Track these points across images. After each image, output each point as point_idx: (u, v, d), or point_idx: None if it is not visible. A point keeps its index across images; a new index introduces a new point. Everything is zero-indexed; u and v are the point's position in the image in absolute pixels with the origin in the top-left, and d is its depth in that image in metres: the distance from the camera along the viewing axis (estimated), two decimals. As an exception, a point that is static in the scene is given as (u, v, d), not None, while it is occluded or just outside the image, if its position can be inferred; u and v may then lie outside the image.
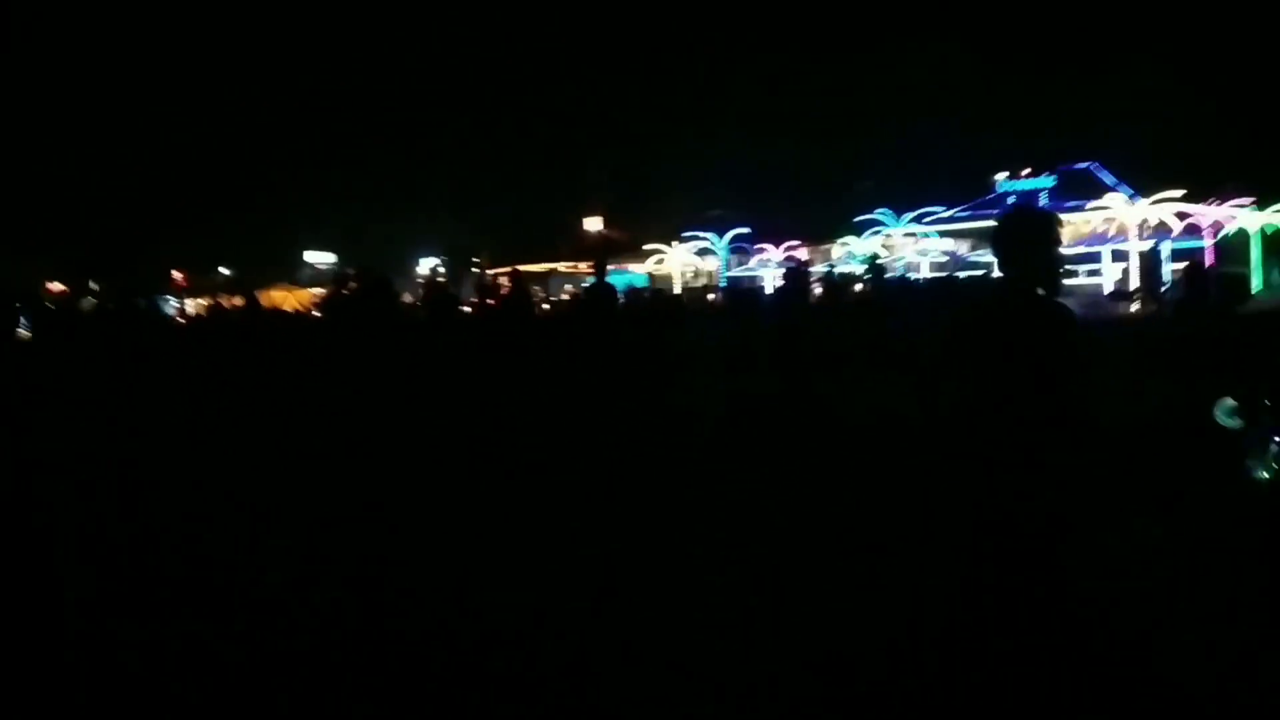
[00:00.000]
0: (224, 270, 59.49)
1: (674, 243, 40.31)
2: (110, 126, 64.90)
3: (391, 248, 59.98)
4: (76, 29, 76.61)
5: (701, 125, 60.39)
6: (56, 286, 48.00)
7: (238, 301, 38.99)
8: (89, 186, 60.83)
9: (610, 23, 74.92)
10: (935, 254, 40.81)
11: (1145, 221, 30.24)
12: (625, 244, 54.25)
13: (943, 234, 41.14)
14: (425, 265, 57.68)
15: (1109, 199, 32.51)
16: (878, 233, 39.97)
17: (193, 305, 28.43)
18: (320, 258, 60.78)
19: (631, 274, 42.84)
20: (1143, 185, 38.21)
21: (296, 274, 56.40)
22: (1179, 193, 29.88)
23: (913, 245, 41.59)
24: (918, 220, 40.28)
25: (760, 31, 72.95)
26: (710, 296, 32.33)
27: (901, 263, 37.46)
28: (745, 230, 39.42)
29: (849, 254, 40.03)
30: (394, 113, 70.15)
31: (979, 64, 49.84)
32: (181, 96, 72.09)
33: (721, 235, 39.41)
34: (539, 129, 68.00)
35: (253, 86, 71.65)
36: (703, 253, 41.23)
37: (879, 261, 27.63)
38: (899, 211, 40.01)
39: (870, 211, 42.11)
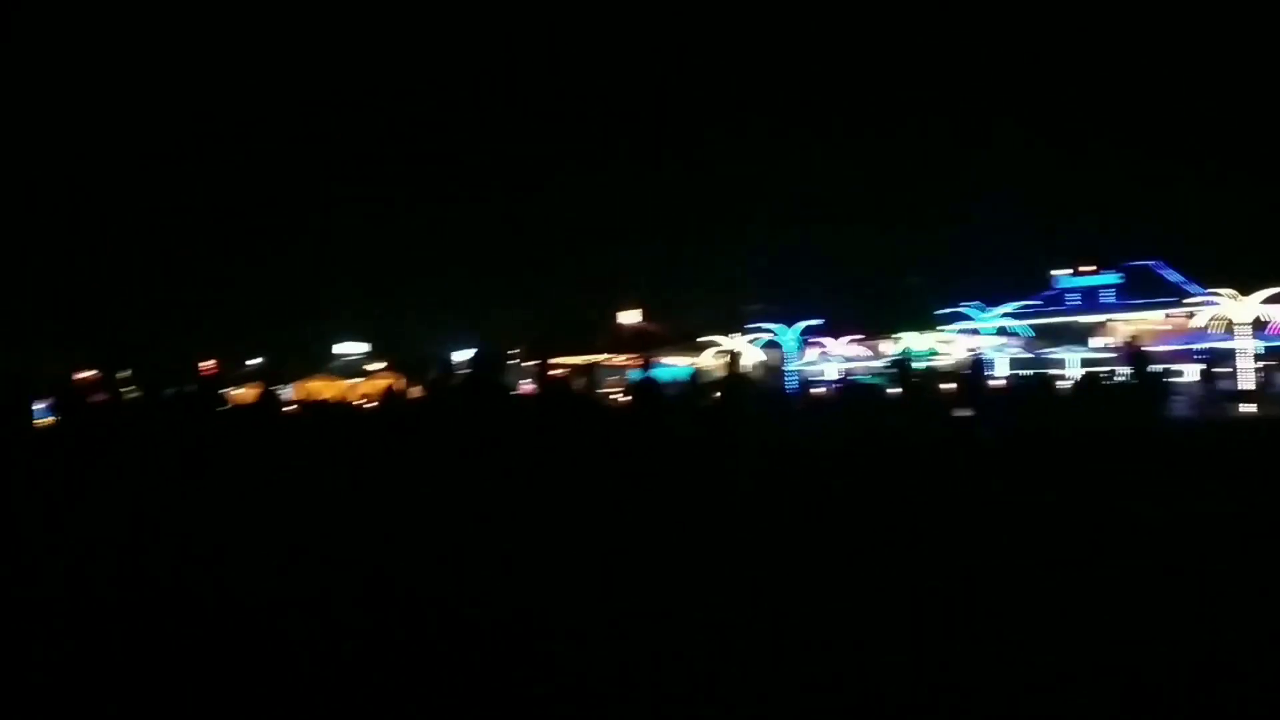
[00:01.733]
0: (253, 361, 58.47)
1: (733, 334, 38.94)
2: (141, 213, 64.91)
3: (424, 340, 59.11)
4: (105, 104, 77.34)
5: (742, 216, 59.93)
6: (82, 375, 46.91)
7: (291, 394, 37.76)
8: (114, 276, 60.49)
9: (650, 111, 75.28)
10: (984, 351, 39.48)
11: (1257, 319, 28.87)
12: (663, 336, 53.17)
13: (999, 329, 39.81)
14: (460, 356, 56.76)
15: (1212, 297, 30.90)
16: (961, 325, 38.54)
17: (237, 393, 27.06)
18: (351, 348, 59.87)
19: (676, 367, 41.54)
20: (1200, 282, 37.03)
21: (329, 364, 55.41)
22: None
23: (965, 343, 40.24)
24: (1011, 315, 38.92)
25: (807, 119, 73.03)
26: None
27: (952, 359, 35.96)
28: (818, 322, 38.11)
29: (906, 350, 38.63)
30: (427, 202, 70.12)
31: (1024, 159, 49.24)
32: (213, 182, 72.41)
33: (790, 326, 38.07)
34: (574, 219, 67.77)
35: (285, 170, 71.94)
36: (766, 345, 39.86)
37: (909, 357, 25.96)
38: (988, 304, 38.73)
39: (922, 305, 40.89)
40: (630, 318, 55.96)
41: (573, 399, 12.44)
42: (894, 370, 20.49)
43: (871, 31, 73.39)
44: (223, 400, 16.68)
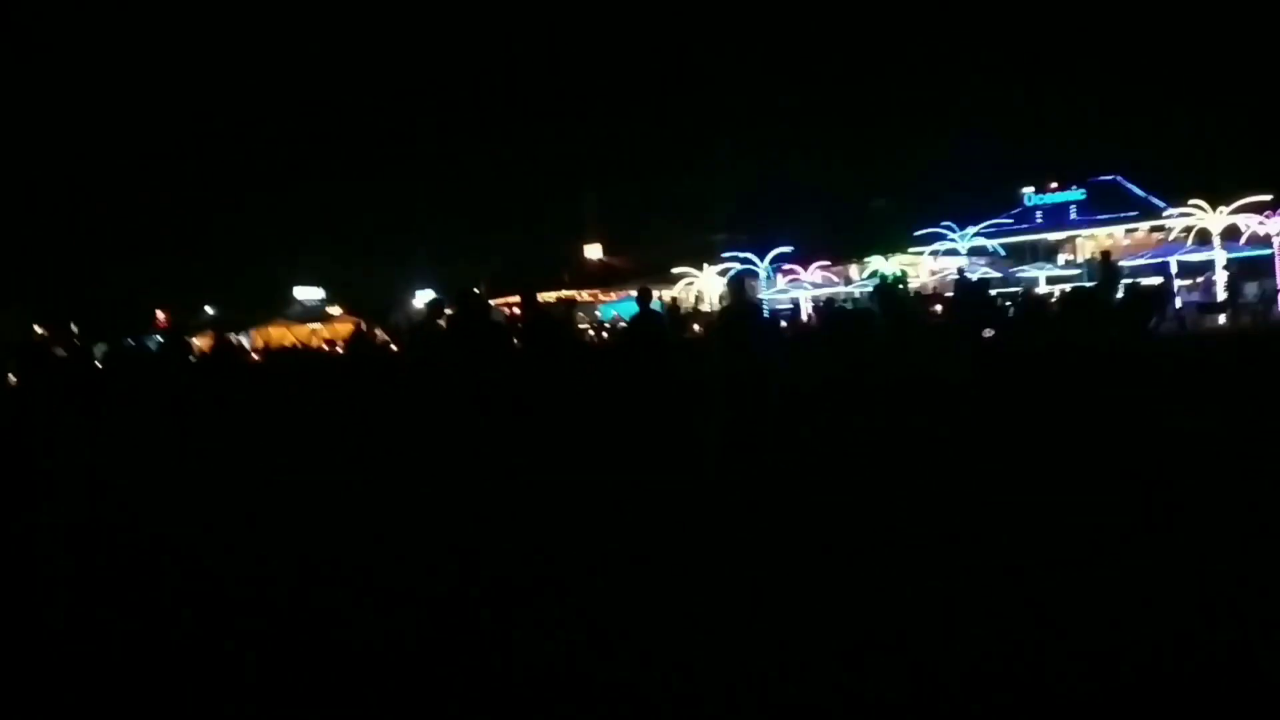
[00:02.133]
0: (209, 309, 56.98)
1: (705, 265, 38.21)
2: (84, 160, 62.66)
3: (382, 282, 58.08)
4: (59, 55, 74.37)
5: (701, 142, 59.08)
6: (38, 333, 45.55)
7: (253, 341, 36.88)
8: (63, 225, 58.52)
9: (609, 40, 73.63)
10: (951, 272, 39.37)
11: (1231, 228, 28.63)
12: (626, 270, 52.54)
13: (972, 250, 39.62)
14: (421, 299, 55.66)
15: (1191, 206, 30.55)
16: (941, 246, 38.18)
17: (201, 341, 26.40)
18: (309, 293, 58.46)
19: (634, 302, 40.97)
20: (1165, 196, 37.04)
21: (286, 310, 54.07)
22: (1266, 197, 28.28)
23: (930, 265, 40.07)
24: (984, 234, 38.59)
25: (767, 43, 71.85)
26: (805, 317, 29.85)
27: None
28: (788, 249, 37.46)
29: (881, 274, 38.41)
30: (382, 143, 68.37)
31: (985, 75, 48.78)
32: (162, 129, 70.01)
33: (762, 255, 37.37)
34: (533, 154, 66.47)
35: (236, 117, 69.71)
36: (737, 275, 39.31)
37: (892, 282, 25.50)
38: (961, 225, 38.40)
39: (890, 229, 40.56)
40: (593, 252, 55.30)
41: (563, 339, 11.91)
42: (879, 295, 20.16)
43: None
44: (189, 351, 16.09)
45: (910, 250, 40.33)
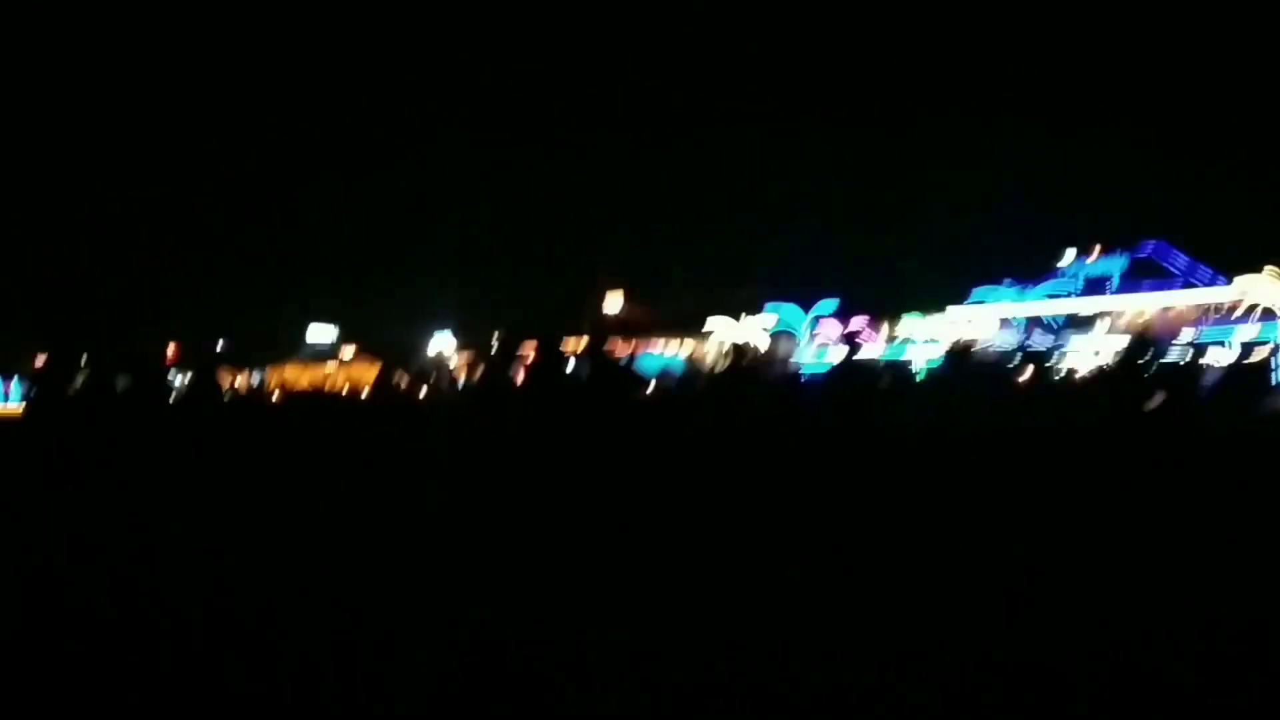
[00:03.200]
0: (219, 344, 55.90)
1: (744, 316, 36.95)
2: (99, 193, 62.08)
3: (397, 325, 57.04)
4: (74, 78, 74.18)
5: (733, 195, 58.36)
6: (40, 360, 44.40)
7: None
8: (77, 254, 57.75)
9: (631, 83, 73.15)
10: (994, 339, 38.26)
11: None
12: (647, 323, 51.54)
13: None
14: (437, 343, 54.53)
15: (1244, 280, 29.45)
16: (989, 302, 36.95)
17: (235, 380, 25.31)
18: (322, 333, 57.44)
19: (661, 356, 39.90)
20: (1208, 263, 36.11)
21: (299, 350, 53.10)
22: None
23: (968, 328, 39.00)
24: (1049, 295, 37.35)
25: (796, 103, 71.52)
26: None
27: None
28: (834, 303, 36.23)
29: (908, 337, 37.33)
30: (396, 181, 67.81)
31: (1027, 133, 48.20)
32: (175, 162, 69.55)
33: (807, 308, 36.11)
34: (554, 201, 65.86)
35: (249, 151, 69.27)
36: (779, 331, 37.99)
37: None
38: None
39: (924, 288, 39.47)
40: (614, 302, 54.21)
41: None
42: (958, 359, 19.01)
43: (870, 9, 72.04)
44: (221, 390, 14.96)
45: (942, 311, 39.33)
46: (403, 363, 43.07)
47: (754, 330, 35.06)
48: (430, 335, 54.74)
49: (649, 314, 52.09)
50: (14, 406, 29.59)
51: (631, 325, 50.61)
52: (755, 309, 37.56)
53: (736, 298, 40.95)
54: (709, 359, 34.75)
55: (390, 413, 18.90)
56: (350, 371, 39.97)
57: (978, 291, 38.13)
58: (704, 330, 38.31)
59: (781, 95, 74.12)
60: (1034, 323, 37.35)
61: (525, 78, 79.86)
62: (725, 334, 37.30)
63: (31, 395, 15.29)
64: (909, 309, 37.14)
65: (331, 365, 44.57)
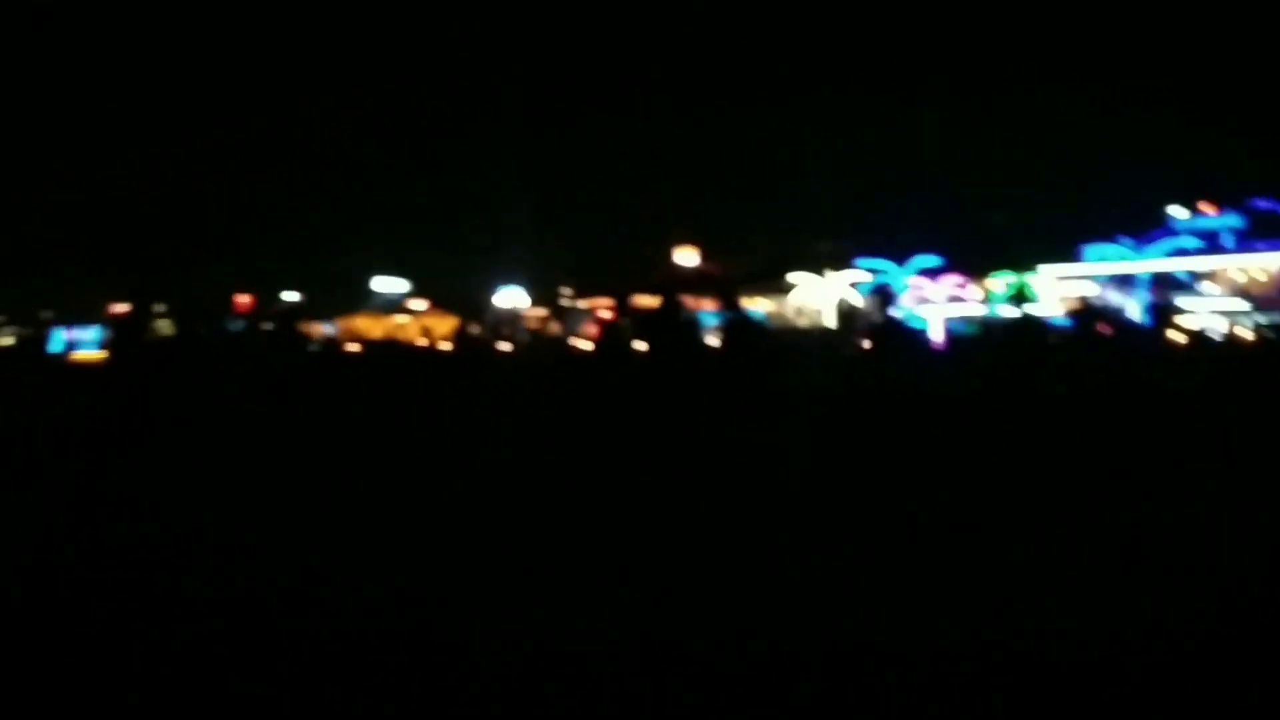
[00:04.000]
0: (289, 295, 55.73)
1: (826, 271, 35.43)
2: (173, 147, 62.21)
3: (464, 276, 56.47)
4: (140, 36, 74.41)
5: (815, 144, 56.50)
6: (120, 308, 44.59)
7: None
8: (149, 205, 57.99)
9: (710, 35, 71.26)
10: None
11: None
12: (720, 277, 50.32)
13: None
14: (504, 296, 53.85)
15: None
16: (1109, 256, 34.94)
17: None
18: (390, 285, 57.00)
19: (736, 312, 38.42)
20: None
21: (369, 301, 52.72)
22: None
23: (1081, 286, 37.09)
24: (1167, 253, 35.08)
25: (898, 48, 68.83)
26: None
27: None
28: (935, 260, 34.49)
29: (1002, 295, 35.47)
30: (467, 134, 66.94)
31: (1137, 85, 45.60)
32: (248, 113, 69.46)
33: (902, 263, 34.40)
34: (626, 149, 64.50)
35: (324, 104, 68.83)
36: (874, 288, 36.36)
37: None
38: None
39: (1020, 245, 37.48)
40: (687, 257, 52.92)
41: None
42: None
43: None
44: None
45: (1039, 268, 37.42)
46: (477, 316, 42.49)
47: (844, 287, 33.51)
48: (498, 288, 54.07)
49: (724, 268, 50.79)
50: (94, 353, 29.44)
51: (705, 280, 49.38)
52: (841, 264, 35.89)
53: (819, 252, 39.41)
54: (797, 315, 33.42)
55: (474, 366, 18.16)
56: (423, 323, 39.40)
57: (1091, 249, 35.99)
58: (786, 285, 36.85)
59: (876, 47, 71.58)
60: (1157, 280, 35.23)
61: (600, 32, 78.27)
62: (813, 290, 35.77)
63: (112, 342, 15.01)
64: (1008, 266, 35.27)
65: (401, 317, 44.00)
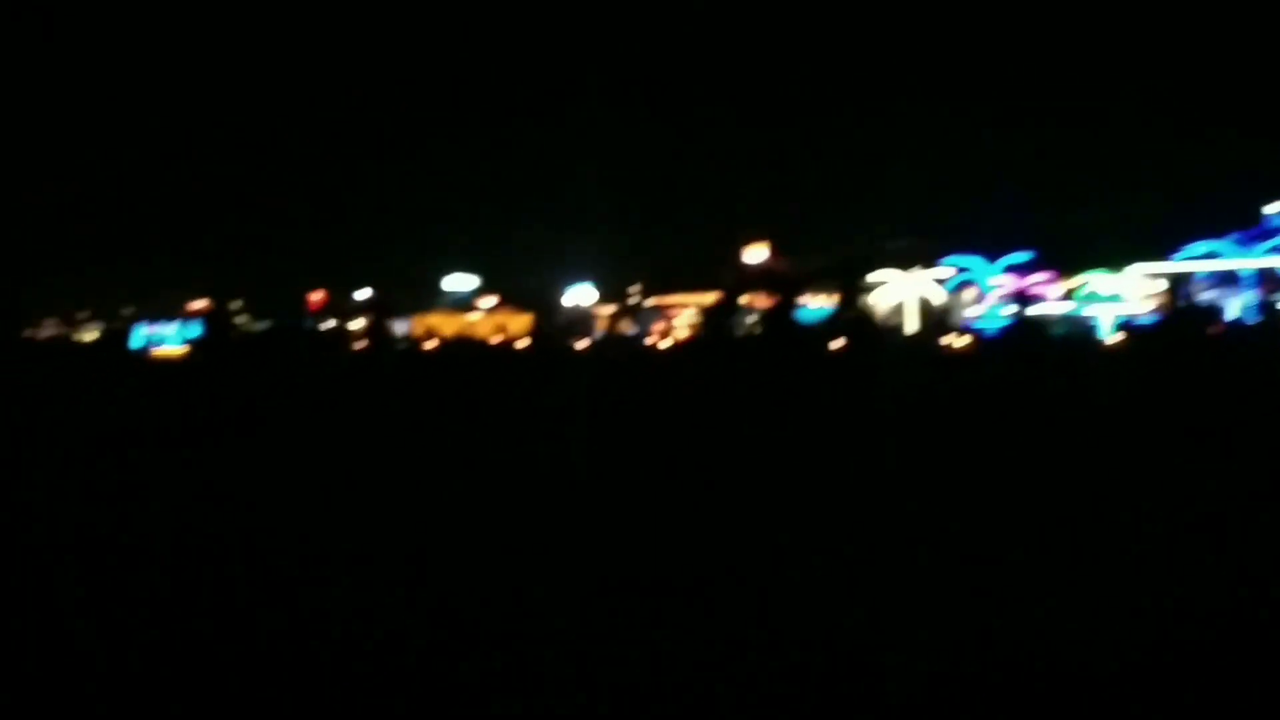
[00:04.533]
0: (361, 293, 56.19)
1: (907, 268, 34.30)
2: (249, 147, 63.27)
3: (533, 274, 56.43)
4: (209, 30, 75.85)
5: (892, 136, 55.20)
6: (198, 304, 45.43)
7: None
8: (225, 203, 59.06)
9: (786, 30, 70.27)
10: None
11: None
12: (790, 274, 49.55)
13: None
14: (574, 294, 53.62)
15: None
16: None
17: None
18: (461, 282, 57.18)
19: (813, 309, 37.69)
20: None
21: (441, 298, 52.89)
22: None
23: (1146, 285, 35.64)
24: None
25: (977, 42, 67.05)
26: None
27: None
28: (1026, 257, 33.03)
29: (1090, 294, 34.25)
30: (538, 129, 67.01)
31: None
32: (322, 113, 70.36)
33: (993, 259, 33.01)
34: (696, 145, 63.94)
35: (396, 103, 69.45)
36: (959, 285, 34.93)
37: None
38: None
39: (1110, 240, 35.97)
40: (756, 253, 52.13)
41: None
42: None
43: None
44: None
45: (1129, 266, 35.97)
46: (547, 313, 42.28)
47: (928, 283, 32.48)
48: (569, 285, 53.83)
49: (797, 266, 49.91)
50: (176, 348, 29.87)
51: (777, 278, 48.59)
52: (926, 261, 34.77)
53: (898, 249, 38.29)
54: (881, 312, 32.47)
55: (552, 363, 17.84)
56: (495, 320, 39.32)
57: (1191, 246, 34.40)
58: (865, 283, 35.82)
59: (967, 38, 69.91)
60: (1260, 278, 33.52)
61: (675, 29, 77.83)
62: (898, 287, 34.72)
63: (196, 339, 15.06)
64: (1096, 264, 33.90)
65: (472, 314, 43.99)
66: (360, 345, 12.32)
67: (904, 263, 35.34)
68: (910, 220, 40.59)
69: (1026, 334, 23.39)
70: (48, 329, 48.32)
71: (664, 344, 25.87)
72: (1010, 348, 23.17)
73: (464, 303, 52.61)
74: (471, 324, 38.10)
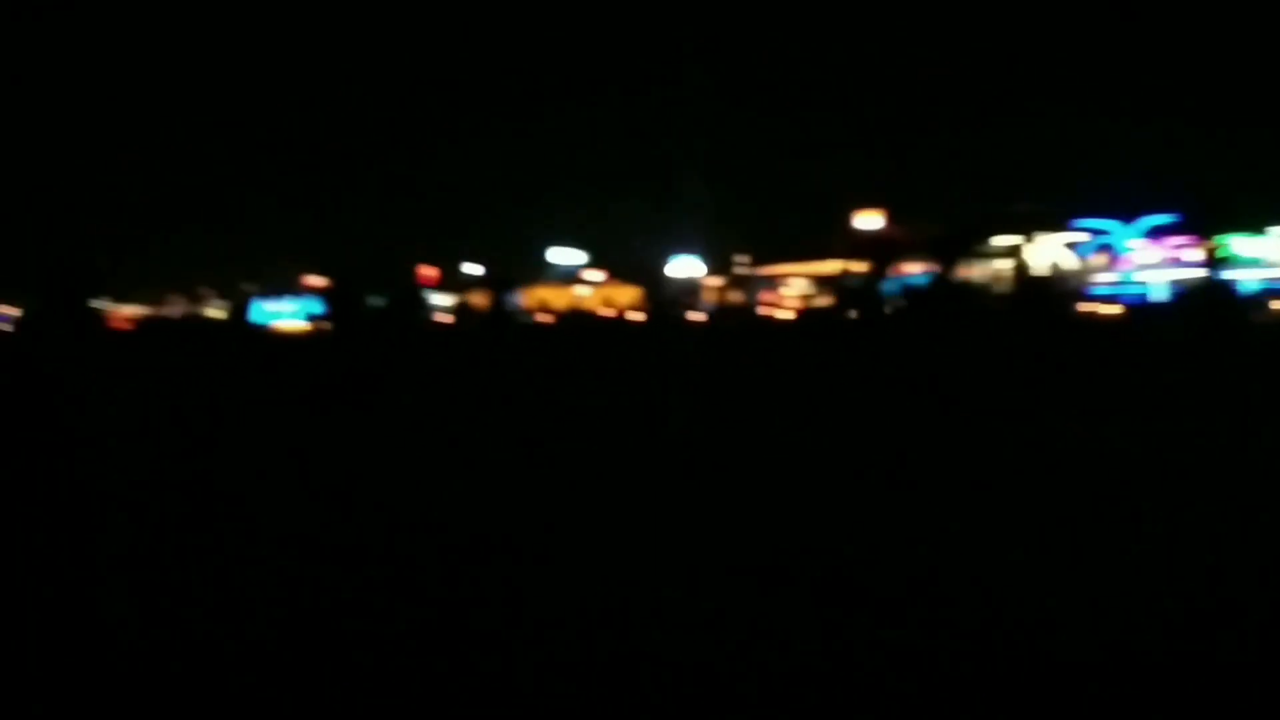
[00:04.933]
0: (470, 267, 56.71)
1: (1037, 234, 32.61)
2: (359, 125, 64.43)
3: (638, 245, 56.09)
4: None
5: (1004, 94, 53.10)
6: (316, 280, 46.50)
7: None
8: (335, 178, 60.33)
9: None
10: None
11: None
12: (910, 242, 47.87)
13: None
14: (679, 265, 53.09)
15: None
16: None
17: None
18: (566, 255, 57.27)
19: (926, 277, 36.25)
20: None
21: (548, 272, 53.06)
22: None
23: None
24: None
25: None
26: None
27: None
28: (1166, 218, 31.19)
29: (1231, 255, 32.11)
30: (639, 98, 66.38)
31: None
32: (425, 87, 71.24)
33: (1129, 221, 31.20)
34: (803, 104, 62.54)
35: (495, 77, 69.86)
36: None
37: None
38: None
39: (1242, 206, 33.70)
40: (870, 220, 50.68)
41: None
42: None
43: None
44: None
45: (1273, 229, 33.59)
46: (654, 285, 41.89)
47: (1056, 249, 30.86)
48: (674, 257, 53.28)
49: (908, 234, 48.36)
50: (298, 324, 30.61)
51: (892, 246, 47.11)
52: (1053, 225, 33.03)
53: (1021, 213, 36.49)
54: (997, 283, 31.01)
55: (677, 337, 17.47)
56: (604, 293, 39.16)
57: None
58: (984, 250, 34.32)
59: None
60: None
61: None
62: (1027, 253, 33.10)
63: (321, 315, 15.22)
64: (1238, 227, 31.70)
65: (581, 288, 43.97)
66: (482, 319, 12.25)
67: (1031, 227, 33.68)
68: (1037, 183, 38.76)
69: (1199, 302, 21.57)
70: (175, 306, 50.23)
71: (786, 316, 25.16)
72: (1180, 318, 21.58)
73: (570, 276, 52.69)
74: (581, 297, 37.98)
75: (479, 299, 14.23)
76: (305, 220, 56.99)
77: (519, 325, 12.43)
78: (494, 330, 11.23)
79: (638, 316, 23.10)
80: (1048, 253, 31.64)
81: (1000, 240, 33.93)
